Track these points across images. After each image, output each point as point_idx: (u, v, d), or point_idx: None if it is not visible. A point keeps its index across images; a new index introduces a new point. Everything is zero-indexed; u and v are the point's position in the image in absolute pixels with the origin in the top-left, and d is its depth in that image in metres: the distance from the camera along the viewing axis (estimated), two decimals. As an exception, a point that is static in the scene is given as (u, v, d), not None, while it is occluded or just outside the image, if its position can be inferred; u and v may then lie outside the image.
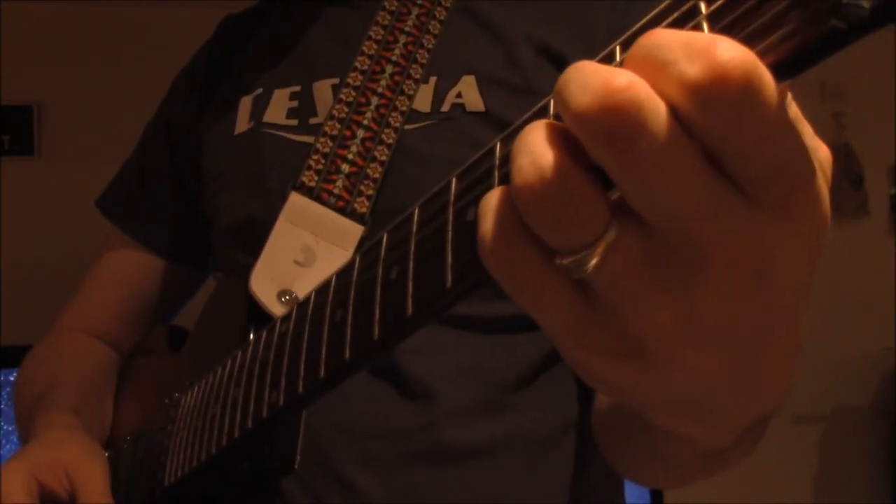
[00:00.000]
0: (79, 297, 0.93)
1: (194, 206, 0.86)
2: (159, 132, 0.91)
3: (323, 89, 0.75)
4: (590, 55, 0.77)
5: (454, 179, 0.37)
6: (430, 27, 0.75)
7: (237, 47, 0.87)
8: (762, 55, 0.24)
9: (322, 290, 0.48)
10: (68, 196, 2.42)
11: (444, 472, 0.67)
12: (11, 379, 1.70)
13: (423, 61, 0.73)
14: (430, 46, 0.74)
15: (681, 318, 0.27)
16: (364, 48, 0.74)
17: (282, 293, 0.66)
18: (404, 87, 0.72)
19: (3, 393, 1.97)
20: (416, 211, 0.39)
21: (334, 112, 0.72)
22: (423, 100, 0.72)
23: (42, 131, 2.49)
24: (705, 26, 0.26)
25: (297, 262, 0.67)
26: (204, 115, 0.85)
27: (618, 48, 0.29)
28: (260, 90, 0.79)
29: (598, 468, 0.74)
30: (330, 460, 0.66)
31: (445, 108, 0.71)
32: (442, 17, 0.75)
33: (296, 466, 0.61)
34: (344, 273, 0.46)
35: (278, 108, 0.77)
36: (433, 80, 0.72)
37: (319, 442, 0.65)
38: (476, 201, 0.33)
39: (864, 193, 2.80)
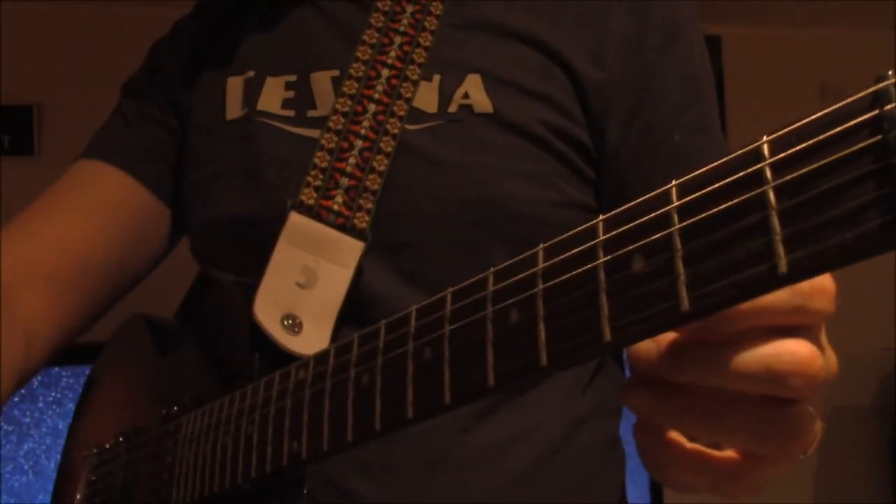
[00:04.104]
0: (38, 217, 0.81)
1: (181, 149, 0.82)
2: (147, 84, 0.85)
3: (321, 81, 0.73)
4: (595, 62, 0.76)
5: (491, 276, 0.40)
6: (426, 24, 0.72)
7: (222, 25, 0.83)
8: (832, 249, 0.28)
9: (343, 349, 0.49)
10: (68, 196, 2.41)
11: (448, 478, 0.66)
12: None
13: (421, 61, 0.71)
14: (428, 45, 0.71)
15: None
16: (358, 54, 0.72)
17: (285, 317, 0.65)
18: (402, 90, 0.70)
19: (3, 393, 1.97)
20: (449, 297, 0.42)
21: (337, 107, 0.70)
22: (427, 99, 0.69)
23: (42, 131, 2.49)
24: (776, 221, 0.30)
25: (298, 285, 0.66)
26: (189, 87, 0.82)
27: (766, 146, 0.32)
28: (251, 73, 0.76)
29: (609, 463, 0.74)
30: (328, 468, 0.65)
31: (453, 108, 0.68)
32: (439, 13, 0.72)
33: (305, 489, 0.59)
34: (369, 337, 0.47)
35: (272, 96, 0.74)
36: (437, 77, 0.70)
37: None
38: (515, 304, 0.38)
39: (864, 193, 2.80)
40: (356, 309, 0.66)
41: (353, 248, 0.66)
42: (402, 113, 0.69)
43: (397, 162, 0.68)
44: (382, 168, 0.68)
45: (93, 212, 0.81)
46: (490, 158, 0.67)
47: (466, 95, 0.69)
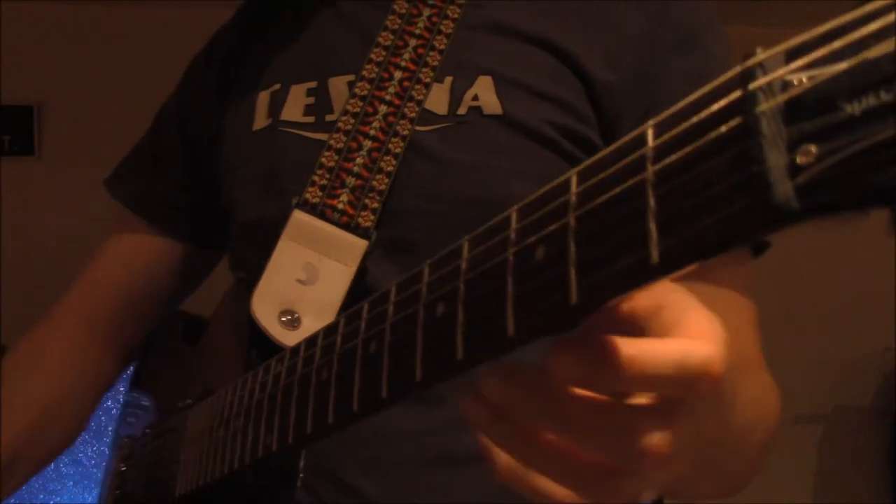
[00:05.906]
0: (80, 280, 0.92)
1: (208, 188, 0.85)
2: (172, 114, 0.90)
3: (339, 85, 0.75)
4: (608, 64, 0.76)
5: (426, 268, 0.40)
6: (441, 27, 0.73)
7: (255, 35, 0.86)
8: (697, 237, 0.28)
9: (310, 342, 0.50)
10: (68, 196, 2.41)
11: (451, 476, 0.67)
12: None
13: (435, 63, 0.72)
14: (442, 47, 0.72)
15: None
16: (372, 55, 0.73)
17: (283, 313, 0.66)
18: (413, 92, 0.71)
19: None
20: (393, 289, 0.42)
21: (348, 108, 0.71)
22: (438, 101, 0.70)
23: (42, 131, 2.49)
24: (650, 210, 0.29)
25: (299, 281, 0.67)
26: (222, 102, 0.84)
27: None
28: (277, 86, 0.78)
29: None
30: (333, 465, 0.66)
31: (462, 110, 0.69)
32: (455, 16, 0.73)
33: (299, 482, 0.61)
34: (330, 331, 0.48)
35: (295, 104, 0.76)
36: (448, 80, 0.71)
37: (322, 447, 0.65)
38: (444, 298, 0.38)
39: (864, 193, 2.80)
40: None
41: (356, 247, 0.67)
42: (412, 115, 0.70)
43: (406, 162, 0.69)
44: (390, 168, 0.69)
45: (124, 260, 0.91)
46: (499, 160, 0.68)
47: (476, 97, 0.69)
